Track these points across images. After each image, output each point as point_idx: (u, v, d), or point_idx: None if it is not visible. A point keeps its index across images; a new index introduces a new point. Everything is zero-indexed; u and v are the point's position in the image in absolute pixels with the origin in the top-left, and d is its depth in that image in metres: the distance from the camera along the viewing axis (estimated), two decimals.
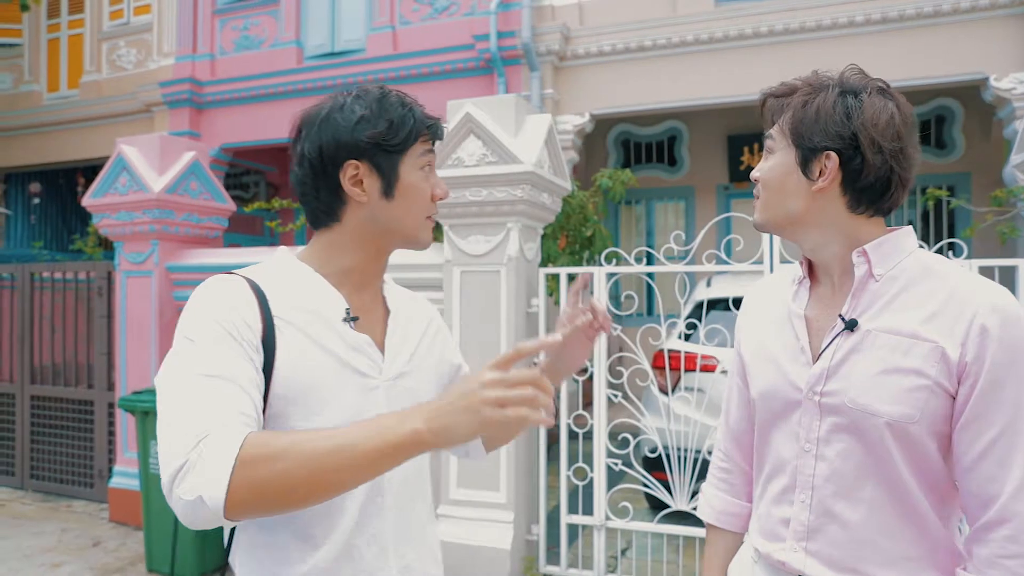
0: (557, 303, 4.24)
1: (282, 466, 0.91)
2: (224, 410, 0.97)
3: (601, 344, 3.76)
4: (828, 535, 1.16)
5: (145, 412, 3.96)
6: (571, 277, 3.94)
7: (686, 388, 4.03)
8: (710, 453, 3.58)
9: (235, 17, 8.93)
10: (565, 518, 3.83)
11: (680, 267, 3.69)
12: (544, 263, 5.77)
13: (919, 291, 1.12)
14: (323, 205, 1.19)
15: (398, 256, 4.14)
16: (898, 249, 1.15)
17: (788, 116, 1.18)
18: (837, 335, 1.16)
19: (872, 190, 1.13)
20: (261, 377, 1.06)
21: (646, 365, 3.70)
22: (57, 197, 11.13)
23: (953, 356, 1.06)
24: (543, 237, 5.80)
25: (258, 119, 8.72)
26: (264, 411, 1.08)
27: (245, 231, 10.39)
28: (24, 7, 9.75)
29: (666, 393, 4.14)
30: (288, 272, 1.18)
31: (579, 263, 5.93)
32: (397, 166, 1.17)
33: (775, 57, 6.67)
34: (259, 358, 1.06)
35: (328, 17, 8.50)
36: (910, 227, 1.19)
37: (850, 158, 1.12)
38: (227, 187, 10.28)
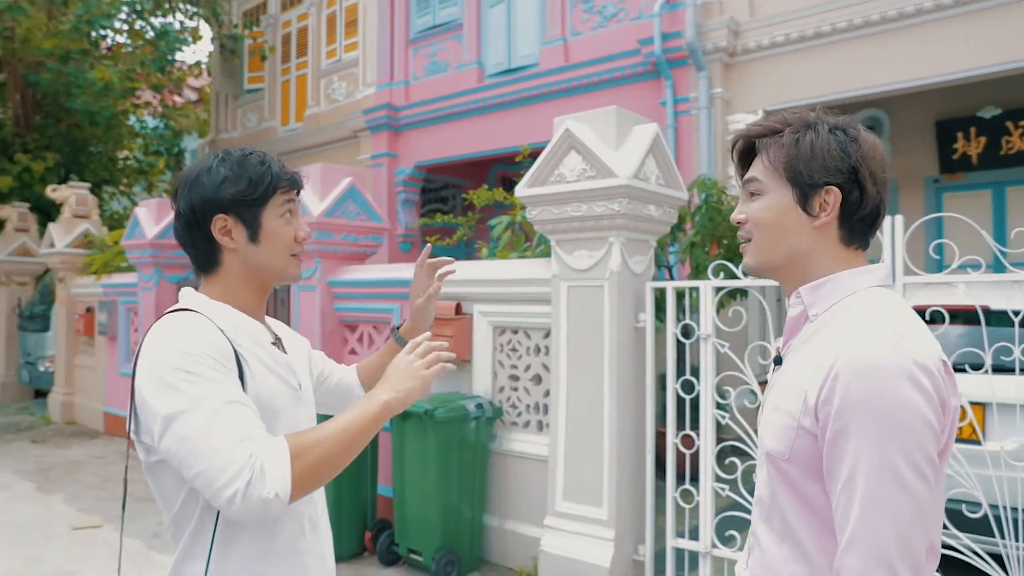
0: (661, 320, 4.03)
1: (319, 451, 1.21)
2: (252, 426, 1.21)
3: (708, 362, 3.57)
4: (755, 555, 1.21)
5: (405, 415, 3.98)
6: (678, 292, 3.78)
7: None
8: None
9: (425, 45, 9.68)
10: (671, 541, 3.69)
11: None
12: (696, 273, 5.55)
13: (827, 333, 1.12)
14: (202, 253, 1.42)
15: (509, 271, 4.27)
16: (838, 290, 1.16)
17: (779, 155, 1.19)
18: (774, 370, 1.26)
19: (865, 221, 1.17)
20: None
21: (754, 384, 3.45)
22: None
23: (811, 401, 1.07)
24: (692, 246, 5.58)
25: (446, 137, 9.35)
26: None
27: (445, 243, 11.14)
28: (263, 57, 11.42)
29: None
30: (217, 308, 1.37)
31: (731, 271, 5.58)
32: (259, 216, 1.40)
33: (989, 26, 5.76)
34: (238, 382, 1.29)
35: (505, 36, 8.88)
36: (875, 266, 1.18)
37: (849, 191, 1.15)
38: (427, 201, 11.14)
